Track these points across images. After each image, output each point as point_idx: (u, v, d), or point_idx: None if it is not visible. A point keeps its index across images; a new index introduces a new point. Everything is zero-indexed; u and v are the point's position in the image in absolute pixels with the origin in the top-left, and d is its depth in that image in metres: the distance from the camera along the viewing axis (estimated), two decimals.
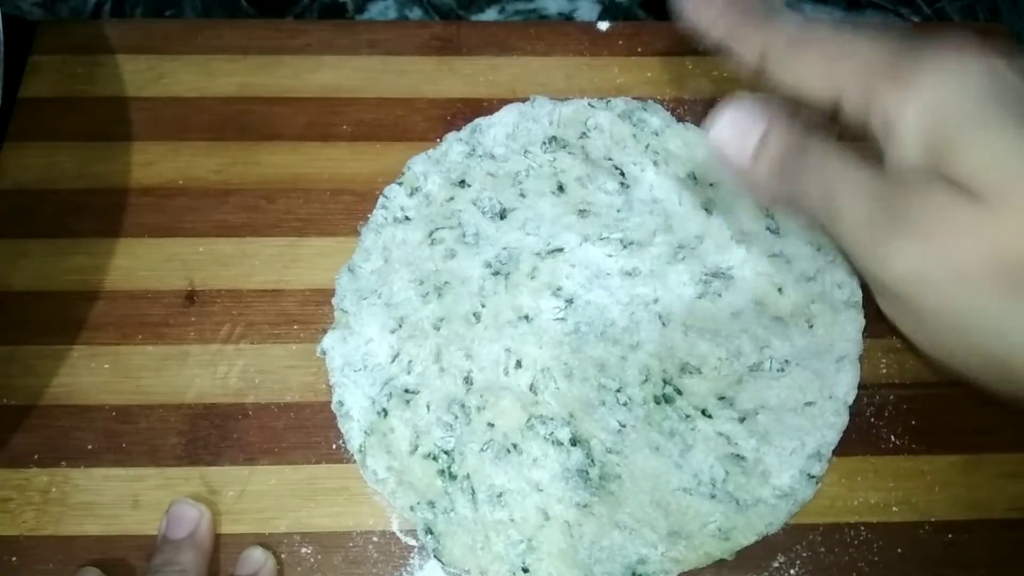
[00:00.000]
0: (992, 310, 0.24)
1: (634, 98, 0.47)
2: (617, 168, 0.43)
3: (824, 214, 0.28)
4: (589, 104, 0.45)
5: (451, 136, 0.45)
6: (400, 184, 0.44)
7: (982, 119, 0.24)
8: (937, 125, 0.25)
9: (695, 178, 0.43)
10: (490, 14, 0.54)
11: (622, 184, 0.43)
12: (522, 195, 0.43)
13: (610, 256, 0.41)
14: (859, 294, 0.41)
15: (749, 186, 0.31)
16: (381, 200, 0.44)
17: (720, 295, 0.40)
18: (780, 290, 0.41)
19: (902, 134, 0.26)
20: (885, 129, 0.27)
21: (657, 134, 0.44)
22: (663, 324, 0.40)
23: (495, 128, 0.45)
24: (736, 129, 0.30)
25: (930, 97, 0.25)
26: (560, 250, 0.41)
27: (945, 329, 0.26)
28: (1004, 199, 0.23)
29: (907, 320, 0.27)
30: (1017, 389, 0.25)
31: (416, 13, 0.54)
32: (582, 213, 0.42)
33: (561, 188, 0.43)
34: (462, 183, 0.44)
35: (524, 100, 0.46)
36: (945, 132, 0.25)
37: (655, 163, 0.44)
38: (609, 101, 0.45)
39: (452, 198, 0.43)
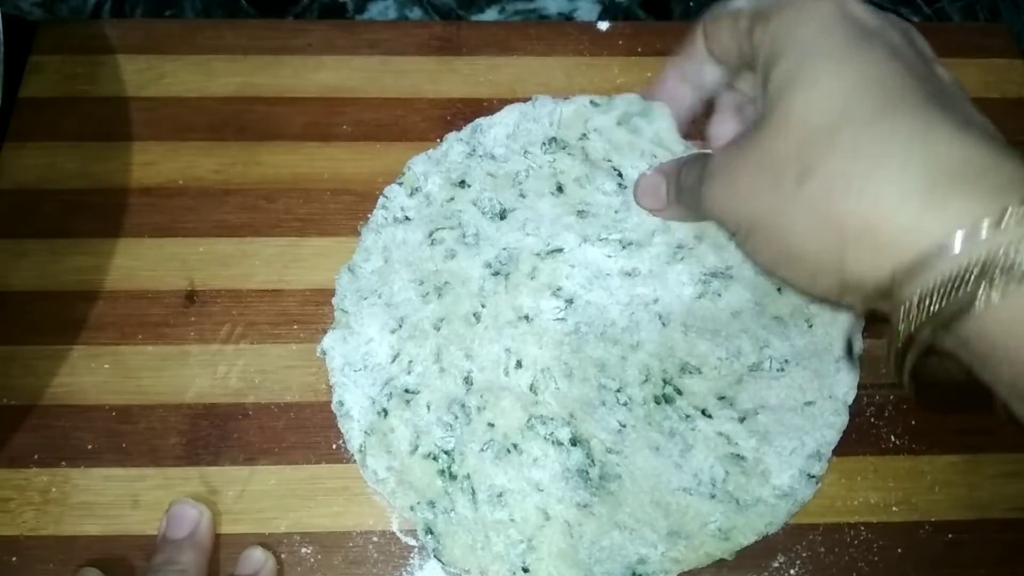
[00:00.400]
0: (774, 207, 0.30)
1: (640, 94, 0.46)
2: (616, 169, 0.43)
3: (699, 209, 0.36)
4: (592, 102, 0.45)
5: (451, 136, 0.45)
6: (400, 184, 0.44)
7: (792, 53, 0.31)
8: (774, 45, 0.32)
9: None
10: (490, 14, 0.54)
11: (620, 185, 0.43)
12: (522, 195, 0.43)
13: (609, 256, 0.41)
14: None
15: (680, 219, 0.41)
16: (381, 200, 0.44)
17: (720, 295, 0.40)
18: (780, 290, 0.41)
19: (757, 52, 0.33)
20: (752, 55, 0.34)
21: (655, 140, 0.44)
22: (663, 324, 0.40)
23: (496, 128, 0.45)
24: (650, 189, 0.41)
25: (777, 25, 0.32)
26: (560, 251, 0.41)
27: (760, 243, 0.32)
28: (773, 109, 0.30)
29: (747, 248, 0.33)
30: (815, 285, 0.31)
31: (416, 13, 0.54)
32: (581, 214, 0.42)
33: (560, 189, 0.43)
34: (462, 183, 0.43)
35: (526, 100, 0.46)
36: (773, 50, 0.32)
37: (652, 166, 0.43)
38: (612, 99, 0.45)
39: (452, 198, 0.43)
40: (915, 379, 0.28)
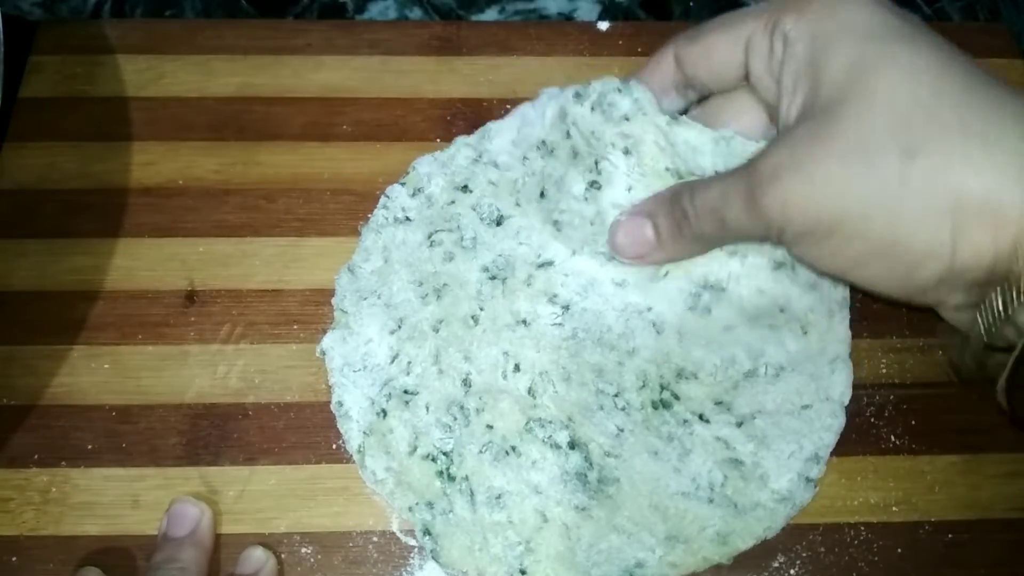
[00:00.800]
0: (875, 193, 0.28)
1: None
2: (596, 165, 0.41)
3: (724, 231, 0.34)
4: (575, 94, 0.43)
5: (460, 140, 0.45)
6: (403, 184, 0.44)
7: (849, 39, 0.30)
8: (821, 32, 0.31)
9: (677, 174, 0.40)
10: (490, 14, 0.54)
11: (592, 184, 0.41)
12: (517, 204, 0.43)
13: (600, 266, 0.41)
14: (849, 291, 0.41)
15: (677, 259, 0.38)
16: (383, 200, 0.44)
17: (710, 310, 0.39)
18: (782, 310, 0.40)
19: (794, 46, 0.32)
20: (783, 49, 0.33)
21: (628, 118, 0.41)
22: (657, 332, 0.40)
23: (503, 135, 0.44)
24: (630, 233, 0.38)
25: (818, 14, 0.31)
26: (551, 263, 0.41)
27: (847, 240, 0.30)
28: (848, 93, 0.29)
29: (818, 253, 0.31)
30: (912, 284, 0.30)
31: (416, 13, 0.54)
32: (556, 224, 0.41)
33: (543, 195, 0.42)
34: (464, 188, 0.43)
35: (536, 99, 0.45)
36: (822, 37, 0.31)
37: (626, 153, 0.41)
38: (589, 85, 0.43)
39: (453, 201, 0.43)
40: (1013, 382, 0.27)
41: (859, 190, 0.28)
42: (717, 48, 0.36)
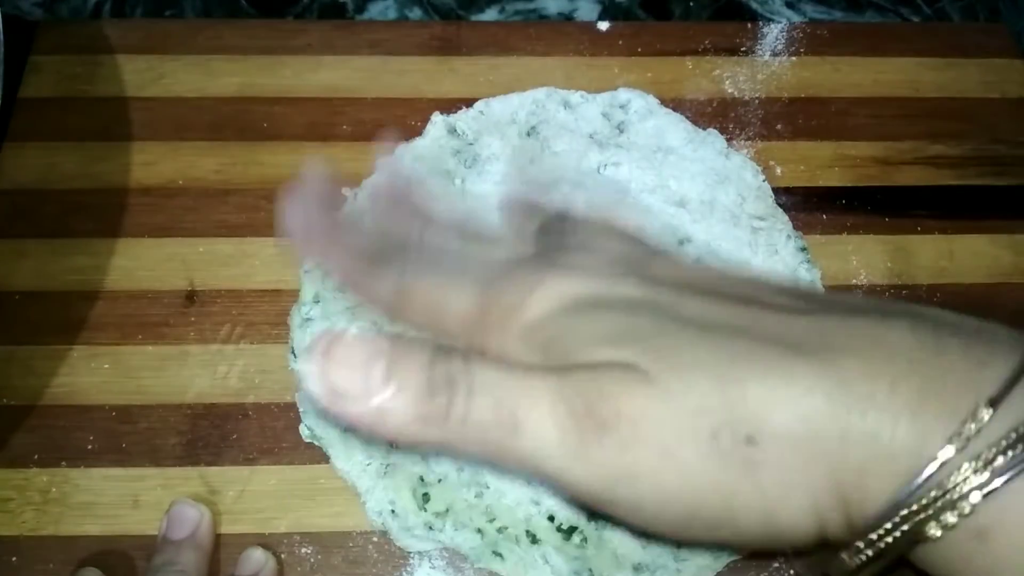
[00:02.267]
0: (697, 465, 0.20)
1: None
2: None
3: (506, 439, 0.22)
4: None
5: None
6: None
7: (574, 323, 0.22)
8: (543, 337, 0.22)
9: None
10: (490, 14, 0.54)
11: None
12: None
13: None
14: None
15: (377, 434, 0.23)
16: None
17: None
18: None
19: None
20: None
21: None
22: None
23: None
24: (346, 362, 0.22)
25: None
26: None
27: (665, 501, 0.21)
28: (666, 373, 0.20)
29: (631, 510, 0.22)
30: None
31: (416, 13, 0.54)
32: None
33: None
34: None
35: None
36: (551, 336, 0.22)
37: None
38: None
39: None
40: None
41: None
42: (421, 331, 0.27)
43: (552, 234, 0.26)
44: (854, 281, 0.43)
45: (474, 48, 0.50)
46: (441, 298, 0.25)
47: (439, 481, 0.37)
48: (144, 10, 0.53)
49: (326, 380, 0.21)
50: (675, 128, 0.46)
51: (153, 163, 0.46)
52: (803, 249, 0.43)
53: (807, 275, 0.42)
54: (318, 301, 0.41)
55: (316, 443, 0.39)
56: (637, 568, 0.36)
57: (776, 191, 0.45)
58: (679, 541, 0.28)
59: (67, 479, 0.38)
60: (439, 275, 0.25)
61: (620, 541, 0.36)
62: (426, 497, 0.37)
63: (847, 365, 0.19)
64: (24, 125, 0.46)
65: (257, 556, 0.36)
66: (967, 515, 0.18)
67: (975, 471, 0.18)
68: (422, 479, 0.37)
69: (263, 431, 0.39)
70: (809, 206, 0.46)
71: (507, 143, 0.46)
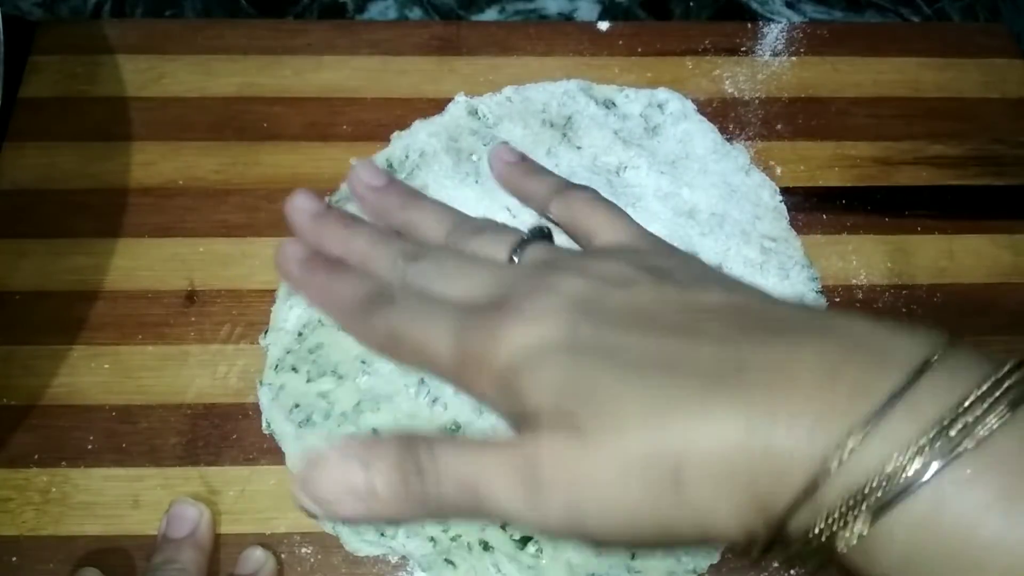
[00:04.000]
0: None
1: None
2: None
3: (478, 505, 0.26)
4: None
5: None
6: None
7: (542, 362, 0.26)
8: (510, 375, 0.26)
9: None
10: (490, 14, 0.54)
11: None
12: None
13: None
14: None
15: (398, 522, 0.30)
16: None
17: None
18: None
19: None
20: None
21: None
22: None
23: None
24: (335, 478, 0.26)
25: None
26: None
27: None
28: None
29: (586, 542, 0.26)
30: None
31: (416, 13, 0.54)
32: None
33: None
34: None
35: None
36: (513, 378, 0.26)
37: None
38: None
39: None
40: None
41: None
42: None
43: (524, 262, 0.30)
44: (854, 281, 0.43)
45: (474, 48, 0.50)
46: (425, 345, 0.28)
47: None
48: (144, 10, 0.53)
49: (315, 497, 0.26)
50: (703, 137, 0.46)
51: (153, 163, 0.46)
52: (815, 279, 0.43)
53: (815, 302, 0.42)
54: None
55: (275, 440, 0.39)
56: None
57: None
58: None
59: (67, 479, 0.38)
60: (422, 322, 0.29)
61: (575, 551, 0.36)
62: None
63: (755, 393, 0.22)
64: (24, 125, 0.46)
65: (257, 556, 0.36)
66: (868, 510, 0.20)
67: (872, 474, 0.20)
68: None
69: (263, 431, 0.39)
70: (809, 206, 0.46)
71: (529, 131, 0.46)
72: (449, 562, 0.36)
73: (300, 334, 0.40)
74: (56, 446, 0.39)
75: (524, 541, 0.36)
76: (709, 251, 0.43)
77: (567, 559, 0.36)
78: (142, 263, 0.43)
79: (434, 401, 0.39)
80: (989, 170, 0.47)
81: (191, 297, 0.42)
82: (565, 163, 0.45)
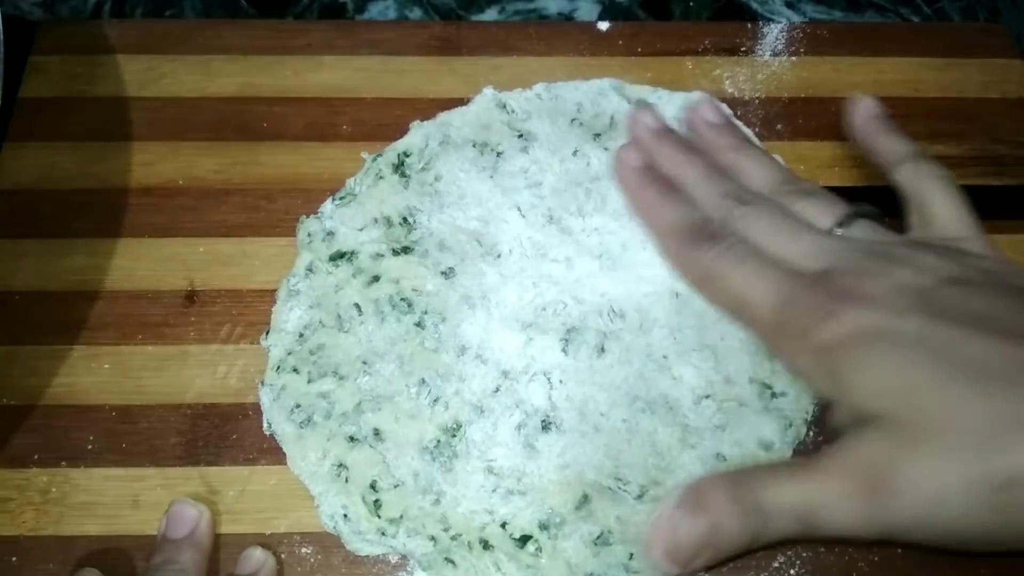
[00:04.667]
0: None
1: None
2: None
3: (810, 531, 0.29)
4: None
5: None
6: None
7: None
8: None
9: None
10: (490, 14, 0.54)
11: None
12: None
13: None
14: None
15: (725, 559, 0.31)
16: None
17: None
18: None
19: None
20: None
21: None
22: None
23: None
24: (683, 535, 0.29)
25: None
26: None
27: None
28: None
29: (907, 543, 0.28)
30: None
31: (416, 13, 0.54)
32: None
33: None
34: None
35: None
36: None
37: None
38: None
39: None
40: None
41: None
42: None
43: (851, 236, 0.30)
44: None
45: (474, 48, 0.50)
46: (746, 296, 0.30)
47: (395, 487, 0.37)
48: (144, 10, 0.53)
49: (676, 559, 0.29)
50: None
51: (153, 163, 0.46)
52: None
53: None
54: (311, 271, 0.41)
55: (276, 440, 0.39)
56: None
57: None
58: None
59: (67, 479, 0.38)
60: (746, 271, 0.30)
61: (574, 550, 0.36)
62: (378, 504, 0.37)
63: None
64: (24, 125, 0.46)
65: (257, 556, 0.36)
66: None
67: None
68: (374, 486, 0.37)
69: (263, 431, 0.39)
70: None
71: (557, 128, 0.45)
72: (449, 561, 0.36)
73: (301, 335, 0.40)
74: (56, 446, 0.39)
75: (524, 540, 0.36)
76: None
77: (566, 559, 0.36)
78: (142, 263, 0.43)
79: (435, 401, 0.39)
80: (989, 170, 0.47)
81: (191, 297, 0.42)
82: (596, 163, 0.44)
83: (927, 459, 0.25)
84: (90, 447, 0.39)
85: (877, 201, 0.46)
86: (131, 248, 0.43)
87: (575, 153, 0.44)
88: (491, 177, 0.44)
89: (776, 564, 0.38)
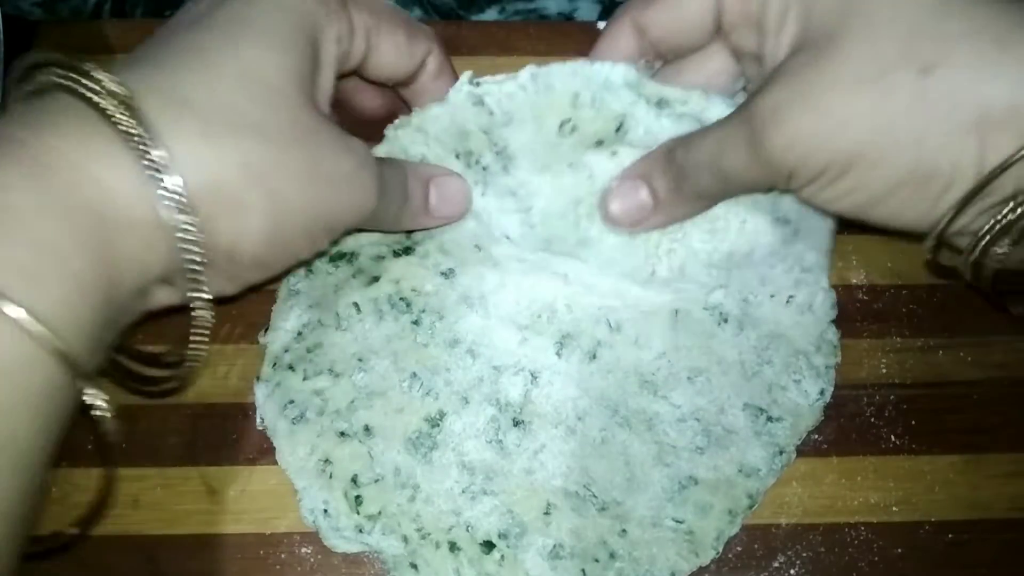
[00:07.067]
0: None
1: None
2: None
3: (726, 184, 0.33)
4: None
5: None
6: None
7: None
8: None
9: None
10: (490, 14, 0.54)
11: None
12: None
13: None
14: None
15: (676, 218, 0.37)
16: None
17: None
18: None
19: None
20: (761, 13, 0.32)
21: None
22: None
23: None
24: (625, 199, 0.37)
25: None
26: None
27: (864, 177, 0.28)
28: (851, 18, 0.27)
29: (832, 194, 0.30)
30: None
31: (416, 13, 0.54)
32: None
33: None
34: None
35: None
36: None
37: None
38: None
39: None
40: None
41: (876, 117, 0.27)
42: (683, 3, 0.34)
43: None
44: (854, 281, 0.43)
45: (474, 48, 0.50)
46: None
47: (375, 482, 0.37)
48: (144, 10, 0.53)
49: (616, 221, 0.37)
50: None
51: None
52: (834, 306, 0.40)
53: (832, 337, 0.40)
54: (311, 272, 0.41)
55: (268, 434, 0.39)
56: None
57: None
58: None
59: (68, 479, 0.38)
60: None
61: (532, 563, 0.36)
62: (359, 500, 0.37)
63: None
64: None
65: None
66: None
67: None
68: (356, 481, 0.37)
69: (263, 431, 0.39)
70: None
71: (543, 135, 0.38)
72: (413, 566, 0.36)
73: (299, 334, 0.40)
74: None
75: (488, 546, 0.37)
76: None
77: (526, 571, 0.36)
78: None
79: (426, 394, 0.39)
80: None
81: None
82: (600, 173, 0.38)
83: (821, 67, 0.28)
84: (90, 447, 0.39)
85: None
86: None
87: (571, 166, 0.39)
88: (483, 194, 0.40)
89: (776, 564, 0.38)
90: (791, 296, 0.39)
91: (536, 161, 0.39)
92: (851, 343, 0.41)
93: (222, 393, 0.40)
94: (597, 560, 0.36)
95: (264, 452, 0.39)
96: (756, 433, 0.38)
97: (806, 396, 0.39)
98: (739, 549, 0.38)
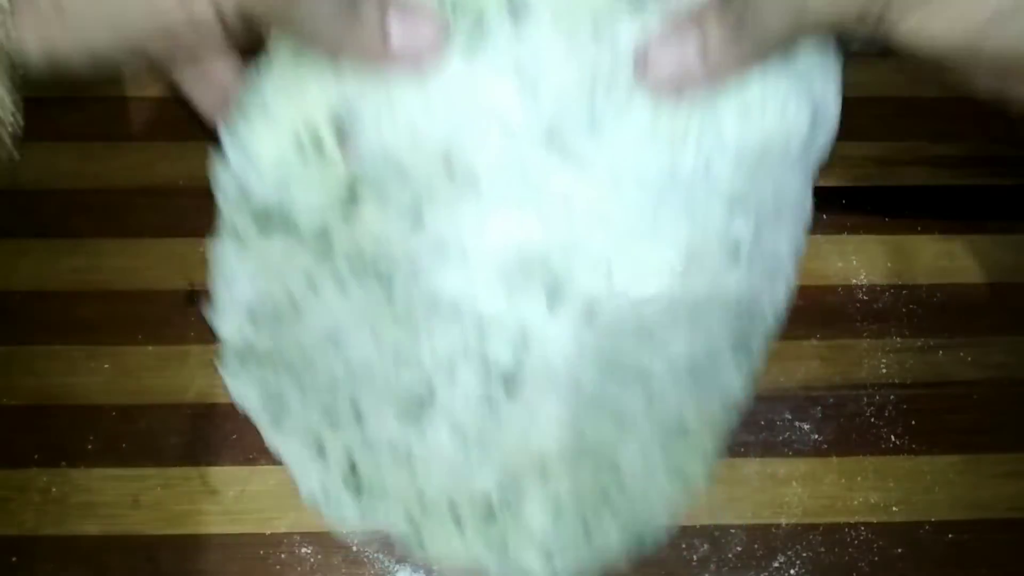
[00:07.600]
0: None
1: None
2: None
3: (800, 23, 0.28)
4: None
5: None
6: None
7: None
8: None
9: None
10: None
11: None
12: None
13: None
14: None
15: (715, 87, 0.30)
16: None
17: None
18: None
19: None
20: None
21: None
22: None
23: None
24: (672, 52, 0.29)
25: None
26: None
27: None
28: None
29: (938, 24, 0.27)
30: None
31: None
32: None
33: None
34: None
35: None
36: None
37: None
38: None
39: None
40: None
41: None
42: None
43: None
44: (854, 281, 0.43)
45: None
46: None
47: (373, 464, 0.37)
48: None
49: (658, 81, 0.29)
50: None
51: (153, 163, 0.46)
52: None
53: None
54: (240, 239, 0.35)
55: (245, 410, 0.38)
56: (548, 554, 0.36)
57: None
58: None
59: (67, 479, 0.38)
60: None
61: (536, 522, 0.36)
62: (359, 485, 0.37)
63: None
64: (24, 125, 0.46)
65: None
66: None
67: None
68: (353, 468, 0.37)
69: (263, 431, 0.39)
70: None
71: None
72: (420, 544, 0.37)
73: (255, 324, 0.37)
74: (56, 446, 0.39)
75: (490, 512, 0.36)
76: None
77: (530, 530, 0.36)
78: (142, 263, 0.43)
79: (413, 366, 0.35)
80: (989, 170, 0.47)
81: (191, 297, 0.42)
82: (625, 47, 0.30)
83: None
84: (90, 447, 0.39)
85: (877, 201, 0.46)
86: (131, 248, 0.43)
87: (595, 34, 0.30)
88: (467, 62, 0.30)
89: (776, 564, 0.38)
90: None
91: (558, 19, 0.30)
92: (851, 343, 0.41)
93: (222, 393, 0.40)
94: (597, 513, 0.36)
95: (264, 452, 0.39)
96: (737, 365, 0.37)
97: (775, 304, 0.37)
98: (739, 549, 0.38)
